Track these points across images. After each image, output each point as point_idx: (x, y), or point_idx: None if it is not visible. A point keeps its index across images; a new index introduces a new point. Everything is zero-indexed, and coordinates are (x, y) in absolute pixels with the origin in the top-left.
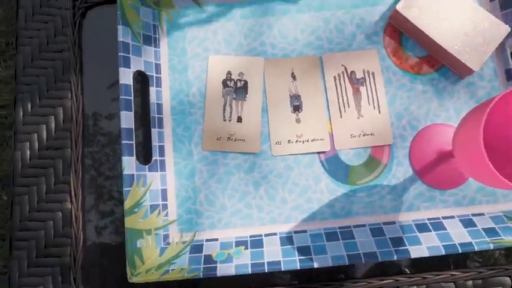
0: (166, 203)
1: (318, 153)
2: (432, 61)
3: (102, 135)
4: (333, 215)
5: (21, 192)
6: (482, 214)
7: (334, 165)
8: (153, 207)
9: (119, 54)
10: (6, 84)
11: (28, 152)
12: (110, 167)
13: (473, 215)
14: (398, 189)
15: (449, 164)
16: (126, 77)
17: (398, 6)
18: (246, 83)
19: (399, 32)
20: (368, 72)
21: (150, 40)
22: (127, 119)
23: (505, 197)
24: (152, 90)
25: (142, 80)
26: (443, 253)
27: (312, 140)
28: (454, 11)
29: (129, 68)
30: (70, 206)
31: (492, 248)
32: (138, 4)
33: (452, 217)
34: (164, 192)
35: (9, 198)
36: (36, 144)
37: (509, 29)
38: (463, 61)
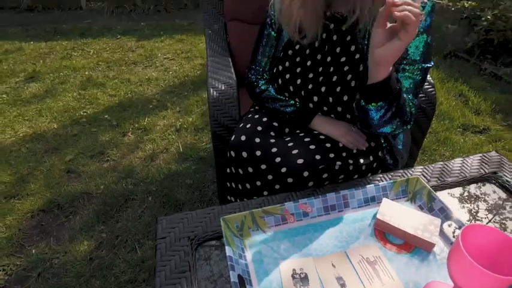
0: None
1: None
2: (408, 245)
3: None
4: None
5: None
6: None
7: None
8: None
9: (229, 263)
10: None
11: None
12: None
13: None
14: None
15: None
16: (234, 276)
17: (378, 216)
18: (306, 274)
19: (383, 232)
20: (376, 256)
21: (241, 256)
22: None
23: None
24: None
25: (240, 281)
26: None
27: None
28: (409, 215)
29: (234, 271)
30: None
31: None
32: (232, 235)
33: None
34: None
35: None
36: None
37: (440, 220)
38: (426, 239)
